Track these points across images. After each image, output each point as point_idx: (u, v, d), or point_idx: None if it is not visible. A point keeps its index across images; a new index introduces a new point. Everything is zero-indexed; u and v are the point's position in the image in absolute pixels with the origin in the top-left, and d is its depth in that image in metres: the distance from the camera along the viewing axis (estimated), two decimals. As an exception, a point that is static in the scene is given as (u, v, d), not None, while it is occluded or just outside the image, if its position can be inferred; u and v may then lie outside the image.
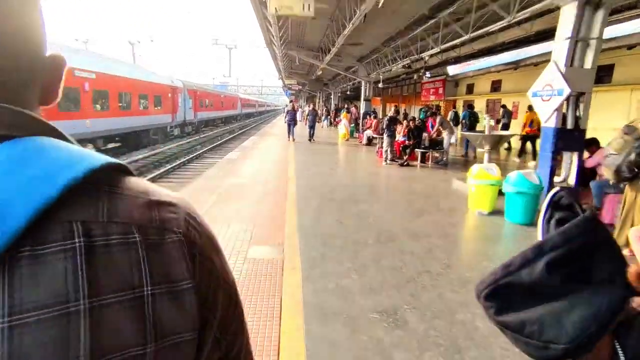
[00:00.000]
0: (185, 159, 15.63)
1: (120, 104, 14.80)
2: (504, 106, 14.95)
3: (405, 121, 11.76)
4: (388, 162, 10.88)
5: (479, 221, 5.45)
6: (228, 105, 39.25)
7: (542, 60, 12.06)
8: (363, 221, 5.23)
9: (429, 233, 4.76)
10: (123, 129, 15.27)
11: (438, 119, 10.91)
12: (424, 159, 11.06)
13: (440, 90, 22.03)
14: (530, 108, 11.74)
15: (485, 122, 7.75)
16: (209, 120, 32.05)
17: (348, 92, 28.99)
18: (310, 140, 16.26)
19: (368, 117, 16.78)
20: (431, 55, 11.51)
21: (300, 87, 36.46)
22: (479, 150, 7.62)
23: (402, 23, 11.29)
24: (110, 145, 18.52)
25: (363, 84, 19.12)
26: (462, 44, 11.39)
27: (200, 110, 27.44)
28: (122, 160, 0.49)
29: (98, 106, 13.14)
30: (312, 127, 16.42)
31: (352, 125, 19.60)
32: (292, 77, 29.88)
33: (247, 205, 6.00)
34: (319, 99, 35.26)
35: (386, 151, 10.91)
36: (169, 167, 13.52)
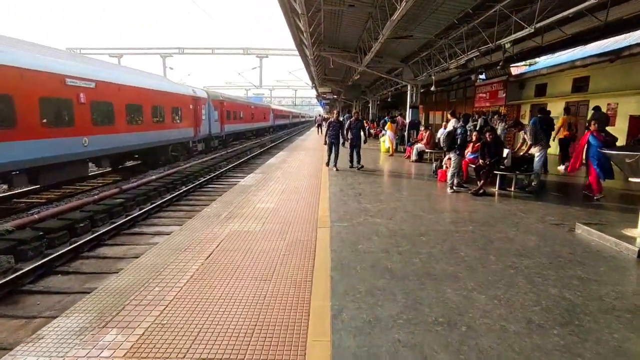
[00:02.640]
0: (201, 180, 13.52)
1: (129, 118, 12.98)
2: (596, 109, 11.54)
3: (475, 133, 8.84)
4: (455, 188, 8.01)
5: None
6: (259, 117, 37.58)
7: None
8: (464, 339, 2.51)
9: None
10: (132, 145, 13.42)
11: (528, 129, 7.87)
12: (503, 184, 8.09)
13: (501, 94, 18.69)
14: (567, 111, 11.51)
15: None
16: (238, 133, 30.32)
17: (389, 99, 26.14)
18: (353, 166, 10.93)
19: (422, 127, 13.73)
20: (514, 42, 8.52)
21: (335, 95, 34.09)
22: (634, 179, 4.63)
23: (468, 3, 8.47)
24: (130, 163, 17.01)
25: (409, 88, 16.29)
26: (548, 28, 8.40)
27: (228, 122, 25.67)
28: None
29: (99, 120, 11.30)
30: (356, 148, 10.92)
31: (397, 137, 16.75)
32: (325, 84, 27.55)
33: (245, 287, 3.46)
34: (355, 108, 32.65)
35: (453, 174, 8.03)
36: (176, 193, 11.39)
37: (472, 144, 8.77)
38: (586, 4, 5.74)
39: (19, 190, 10.79)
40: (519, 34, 7.60)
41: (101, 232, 7.82)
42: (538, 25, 7.02)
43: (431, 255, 4.21)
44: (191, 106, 18.43)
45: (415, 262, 4.00)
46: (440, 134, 13.39)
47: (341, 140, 10.64)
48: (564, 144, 11.30)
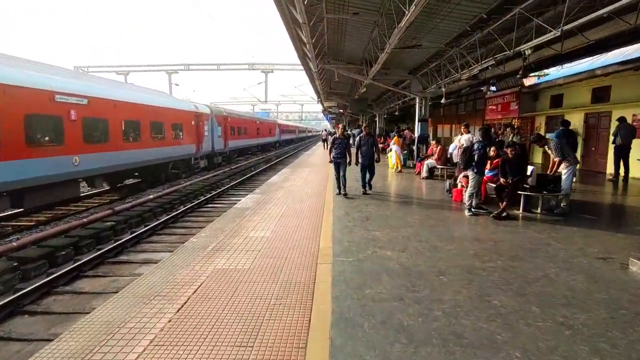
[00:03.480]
0: (201, 200, 12.84)
1: (125, 135, 12.41)
2: (621, 119, 10.67)
3: (493, 148, 8.03)
4: (473, 210, 7.16)
5: None
6: (264, 132, 37.15)
7: None
8: None
9: None
10: (129, 164, 12.83)
11: (553, 144, 7.03)
12: (527, 206, 7.23)
13: (514, 106, 17.88)
14: (622, 120, 10.53)
15: None
16: (243, 148, 29.79)
17: (396, 113, 25.46)
18: (367, 191, 9.35)
19: (434, 142, 12.89)
20: (534, 49, 7.75)
21: (341, 110, 33.56)
22: None
23: (482, 7, 7.78)
24: (130, 181, 16.45)
25: (418, 100, 15.59)
26: (568, 34, 7.65)
27: (232, 138, 25.15)
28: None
29: (92, 138, 10.73)
30: (369, 168, 9.26)
31: (405, 152, 15.96)
32: (331, 98, 27.03)
33: (223, 352, 2.67)
34: (362, 122, 32.03)
35: (471, 195, 7.20)
36: (173, 214, 10.71)
37: (490, 160, 7.96)
38: (621, 2, 5.00)
39: (6, 213, 10.19)
40: (544, 38, 6.85)
41: (83, 260, 7.12)
42: (565, 27, 6.27)
43: (456, 304, 3.38)
44: (193, 122, 17.92)
45: (438, 315, 3.18)
46: (452, 148, 12.60)
47: (348, 159, 8.99)
48: (620, 151, 10.53)
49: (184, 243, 5.85)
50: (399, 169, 14.09)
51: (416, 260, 4.55)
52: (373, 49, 11.93)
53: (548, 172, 7.19)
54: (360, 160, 9.20)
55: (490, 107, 20.38)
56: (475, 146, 7.46)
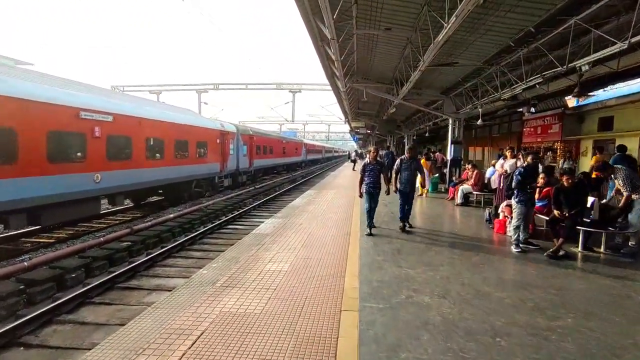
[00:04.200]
0: (222, 220, 12.42)
1: (149, 152, 12.28)
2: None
3: (542, 175, 7.11)
4: (521, 246, 6.22)
5: None
6: (291, 151, 37.01)
7: None
8: None
9: None
10: (152, 181, 12.64)
11: (621, 174, 6.04)
12: (588, 243, 6.22)
13: (555, 128, 16.64)
14: (600, 150, 10.88)
15: None
16: (268, 168, 29.62)
17: (426, 134, 24.57)
18: (406, 228, 7.71)
19: (469, 166, 11.87)
20: (593, 64, 6.87)
21: (369, 130, 32.99)
22: None
23: (532, 20, 7.02)
24: (154, 199, 16.37)
25: (451, 122, 14.76)
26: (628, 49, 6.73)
27: (258, 157, 24.99)
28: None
29: (115, 155, 10.58)
30: (409, 200, 7.70)
31: (436, 176, 15.03)
32: (359, 118, 26.54)
33: None
34: (390, 143, 31.28)
35: (516, 228, 6.28)
36: (191, 235, 10.27)
37: (539, 189, 7.03)
38: None
39: (27, 230, 10.10)
40: (608, 51, 5.98)
41: (92, 285, 6.69)
42: (634, 39, 5.42)
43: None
44: (218, 140, 17.80)
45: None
46: (490, 173, 11.64)
47: (383, 189, 7.49)
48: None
49: (196, 272, 5.29)
50: (425, 194, 13.10)
51: (462, 312, 3.73)
52: (405, 67, 11.34)
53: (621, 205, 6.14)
54: (399, 187, 7.62)
55: (527, 129, 19.15)
56: (516, 171, 6.59)
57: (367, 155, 9.07)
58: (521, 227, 6.32)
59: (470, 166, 11.85)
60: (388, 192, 7.70)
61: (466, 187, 11.30)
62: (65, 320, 5.66)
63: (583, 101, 14.86)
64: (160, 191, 15.14)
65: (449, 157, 15.20)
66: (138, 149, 11.56)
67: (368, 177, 7.43)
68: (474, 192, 11.25)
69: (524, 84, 8.86)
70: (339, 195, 13.70)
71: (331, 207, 10.72)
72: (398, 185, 7.65)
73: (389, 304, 3.91)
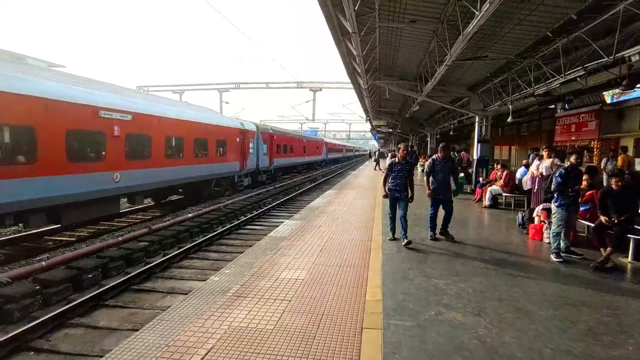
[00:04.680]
0: (241, 220, 12.23)
1: (168, 151, 12.21)
2: None
3: (586, 176, 6.46)
4: (562, 255, 5.63)
5: None
6: (311, 150, 36.71)
7: None
8: None
9: None
10: (171, 180, 12.58)
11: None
12: (639, 253, 5.57)
13: (592, 126, 15.59)
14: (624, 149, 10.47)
15: None
16: (288, 167, 29.42)
17: (450, 133, 23.72)
18: (436, 236, 6.94)
19: (499, 166, 11.18)
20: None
21: (391, 129, 32.27)
22: None
23: (573, 7, 6.38)
24: (175, 198, 16.41)
25: (477, 119, 14.05)
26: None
27: (278, 156, 24.80)
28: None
29: (134, 154, 10.54)
30: (445, 203, 6.89)
31: (462, 176, 14.36)
32: (380, 117, 25.93)
33: None
34: (412, 142, 30.49)
35: (556, 235, 5.69)
36: (209, 235, 10.09)
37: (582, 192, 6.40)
38: None
39: (49, 228, 10.18)
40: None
41: (107, 287, 6.56)
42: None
43: None
44: (238, 139, 17.67)
45: None
46: (521, 174, 10.92)
47: (410, 194, 6.68)
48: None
49: (210, 275, 5.02)
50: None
51: (501, 334, 3.27)
52: (430, 62, 10.79)
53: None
54: (434, 193, 6.83)
55: (559, 126, 18.09)
56: (557, 173, 5.98)
57: (396, 152, 8.23)
58: (562, 234, 5.74)
59: (499, 166, 11.18)
60: (412, 199, 6.72)
61: (495, 188, 10.65)
62: (77, 323, 5.51)
63: (618, 98, 13.82)
64: (180, 190, 15.14)
65: (475, 156, 14.48)
66: (157, 148, 11.50)
67: (394, 179, 6.63)
68: (504, 194, 10.59)
69: (561, 77, 8.15)
70: (360, 195, 13.26)
71: (352, 209, 10.30)
72: (432, 190, 6.84)
73: (417, 322, 3.49)
